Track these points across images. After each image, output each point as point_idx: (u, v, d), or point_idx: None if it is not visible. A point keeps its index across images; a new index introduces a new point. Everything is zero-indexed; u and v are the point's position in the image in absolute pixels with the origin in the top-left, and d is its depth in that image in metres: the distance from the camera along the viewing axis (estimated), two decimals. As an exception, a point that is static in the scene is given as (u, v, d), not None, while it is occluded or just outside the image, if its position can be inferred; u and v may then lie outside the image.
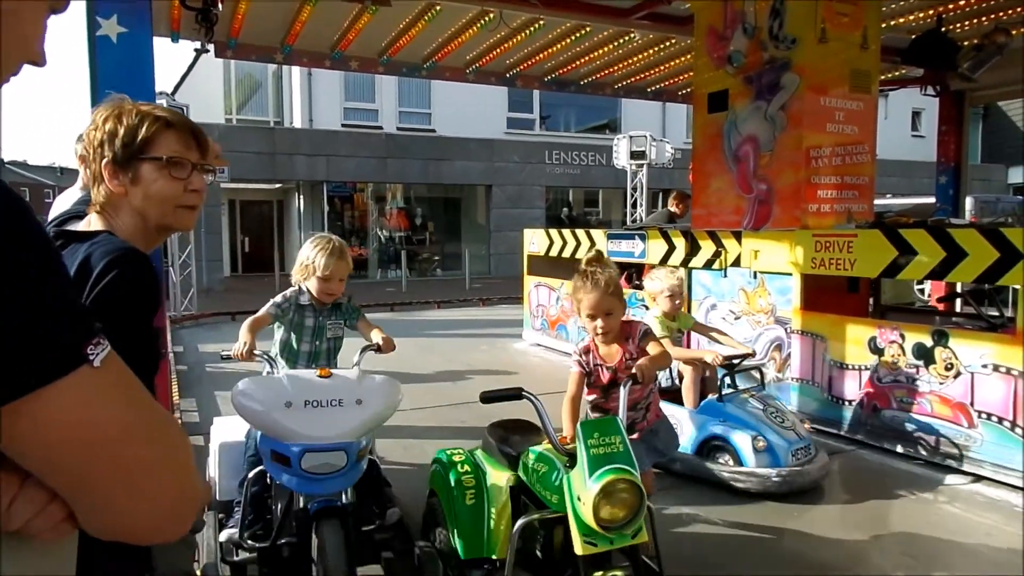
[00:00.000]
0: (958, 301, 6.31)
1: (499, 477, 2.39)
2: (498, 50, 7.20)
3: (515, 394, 2.14)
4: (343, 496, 2.28)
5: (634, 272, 8.04)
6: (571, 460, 1.99)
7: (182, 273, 10.35)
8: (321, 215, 17.51)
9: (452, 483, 2.44)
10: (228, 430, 2.93)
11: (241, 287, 15.14)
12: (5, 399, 0.55)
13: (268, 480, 2.47)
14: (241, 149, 15.44)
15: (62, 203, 3.26)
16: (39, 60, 0.68)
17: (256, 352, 2.49)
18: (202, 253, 12.14)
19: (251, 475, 2.46)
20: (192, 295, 10.30)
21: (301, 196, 17.65)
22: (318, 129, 17.54)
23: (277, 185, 18.60)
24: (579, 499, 1.89)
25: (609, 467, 1.87)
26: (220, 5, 5.26)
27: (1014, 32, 6.00)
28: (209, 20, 5.38)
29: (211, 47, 6.33)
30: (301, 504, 2.25)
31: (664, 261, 5.88)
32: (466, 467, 2.48)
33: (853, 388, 4.35)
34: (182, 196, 1.31)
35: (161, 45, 6.36)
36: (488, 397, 2.17)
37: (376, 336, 2.75)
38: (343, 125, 18.04)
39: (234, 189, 17.65)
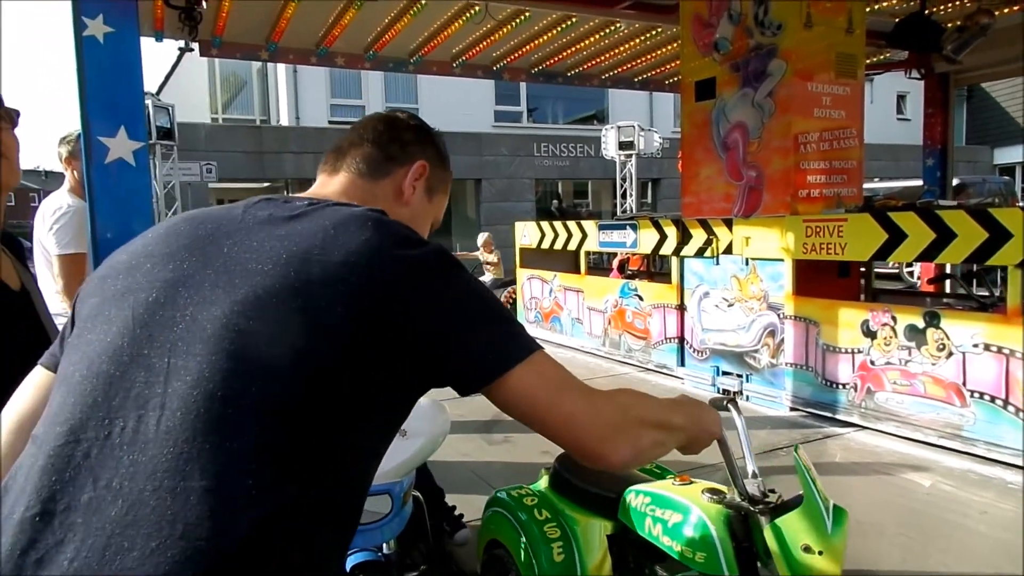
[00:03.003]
0: (948, 282, 6.37)
1: (591, 525, 1.94)
2: (484, 43, 7.18)
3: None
4: (384, 547, 1.99)
5: (626, 261, 8.06)
6: (753, 502, 1.46)
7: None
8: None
9: (529, 533, 1.98)
10: None
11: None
12: (503, 370, 0.87)
13: None
14: (228, 148, 15.35)
15: (49, 206, 3.24)
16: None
17: None
18: (192, 254, 12.02)
19: None
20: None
21: (290, 194, 17.56)
22: (305, 127, 17.43)
23: (266, 184, 18.48)
24: (817, 551, 1.33)
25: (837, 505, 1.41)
26: (204, 3, 5.22)
27: (996, 13, 6.02)
28: (193, 19, 5.33)
29: (195, 46, 6.29)
30: None
31: (656, 250, 5.90)
32: (544, 512, 2.02)
33: (847, 371, 4.38)
34: None
35: (145, 45, 6.30)
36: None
37: None
38: (330, 122, 17.95)
39: (223, 189, 17.52)
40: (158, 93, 13.51)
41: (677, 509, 1.61)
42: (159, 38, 6.05)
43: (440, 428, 2.07)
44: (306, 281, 0.82)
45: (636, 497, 1.76)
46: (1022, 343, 3.53)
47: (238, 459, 0.74)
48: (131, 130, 2.74)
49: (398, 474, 1.87)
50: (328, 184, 1.15)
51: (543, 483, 2.14)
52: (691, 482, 1.69)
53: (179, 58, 7.72)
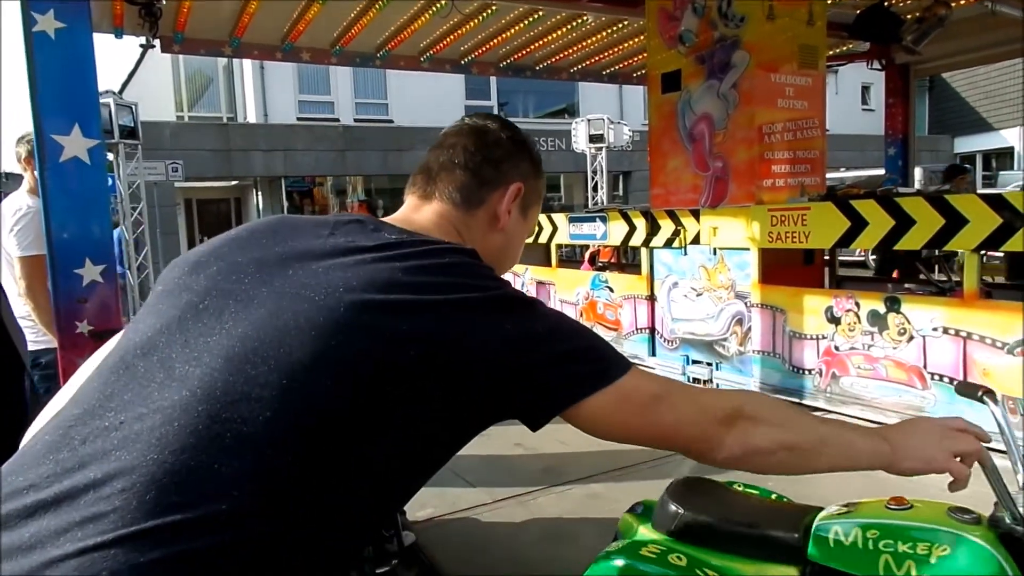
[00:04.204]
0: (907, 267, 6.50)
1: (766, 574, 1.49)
2: (451, 37, 7.15)
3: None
4: None
5: (597, 254, 8.11)
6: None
7: (140, 276, 10.12)
8: (281, 211, 17.25)
9: None
10: None
11: (202, 288, 14.82)
12: (571, 402, 0.88)
13: None
14: (195, 147, 15.12)
15: (8, 208, 3.17)
16: None
17: None
18: (159, 255, 11.87)
19: None
20: (151, 298, 10.07)
21: (259, 193, 17.35)
22: (273, 124, 17.24)
23: (234, 182, 18.25)
24: None
25: None
26: (163, -1, 5.13)
27: (953, 4, 6.15)
28: (153, 15, 5.25)
29: (157, 43, 6.17)
30: None
31: (625, 242, 5.95)
32: (692, 566, 1.52)
33: (812, 357, 4.46)
34: None
35: (107, 42, 6.18)
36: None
37: None
38: (299, 119, 17.76)
39: (190, 188, 17.27)
40: (121, 91, 13.24)
41: (939, 540, 1.25)
42: (118, 35, 5.93)
43: None
44: (349, 320, 0.81)
45: (847, 532, 1.36)
46: (978, 326, 3.63)
47: (220, 483, 0.74)
48: (85, 127, 2.68)
49: None
50: (420, 210, 1.10)
51: (645, 532, 1.70)
52: (910, 504, 1.36)
53: (142, 55, 7.57)
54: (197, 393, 0.78)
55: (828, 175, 6.37)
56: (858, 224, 4.10)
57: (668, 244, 5.43)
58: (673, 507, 1.64)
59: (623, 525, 1.80)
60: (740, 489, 1.70)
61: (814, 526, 1.43)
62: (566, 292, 6.81)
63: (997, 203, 3.51)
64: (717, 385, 5.05)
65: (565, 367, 0.88)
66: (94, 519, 0.70)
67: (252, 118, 17.80)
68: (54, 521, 0.71)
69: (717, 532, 1.57)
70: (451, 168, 1.10)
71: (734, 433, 0.93)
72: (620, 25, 7.02)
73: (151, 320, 0.89)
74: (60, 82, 2.65)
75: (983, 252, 3.73)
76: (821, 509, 1.49)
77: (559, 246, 7.02)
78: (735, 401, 0.97)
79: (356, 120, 18.20)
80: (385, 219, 1.06)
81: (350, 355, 0.80)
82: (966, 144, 22.41)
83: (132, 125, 9.99)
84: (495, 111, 20.22)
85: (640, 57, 7.81)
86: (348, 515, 0.84)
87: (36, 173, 3.08)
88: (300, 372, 0.79)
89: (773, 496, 1.76)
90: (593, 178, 14.76)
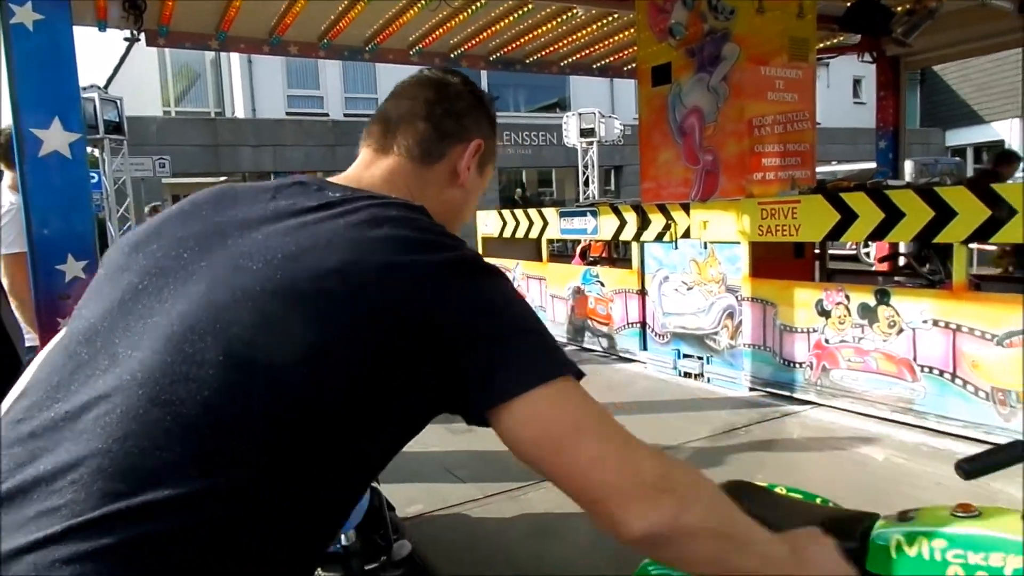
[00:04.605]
0: (900, 260, 6.52)
1: None
2: (441, 30, 7.10)
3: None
4: (343, 538, 1.99)
5: (588, 248, 8.09)
6: None
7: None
8: (271, 207, 17.14)
9: None
10: None
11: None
12: (510, 394, 0.77)
13: None
14: (182, 142, 15.01)
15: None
16: None
17: None
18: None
19: None
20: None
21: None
22: (262, 118, 17.14)
23: (222, 178, 18.12)
24: None
25: None
26: (147, -9, 5.06)
27: (943, -3, 6.15)
28: (137, 7, 5.18)
29: (142, 36, 6.10)
30: None
31: (616, 236, 5.93)
32: None
33: (803, 350, 4.46)
34: None
35: (91, 36, 6.09)
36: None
37: None
38: (287, 113, 17.66)
39: (177, 184, 17.14)
40: (106, 86, 13.12)
41: (1014, 550, 1.16)
42: (102, 28, 5.85)
43: None
44: (289, 287, 0.77)
45: (911, 542, 1.27)
46: (967, 318, 3.63)
47: (163, 469, 0.71)
48: (66, 121, 2.63)
49: None
50: (374, 164, 1.06)
51: None
52: (978, 511, 1.26)
53: (127, 49, 7.50)
54: (137, 377, 0.75)
55: (820, 169, 6.38)
56: (848, 217, 4.09)
57: (659, 238, 5.41)
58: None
59: None
60: (784, 493, 1.59)
61: (872, 535, 1.31)
62: (557, 287, 6.79)
63: (987, 195, 3.51)
64: (708, 380, 5.05)
65: (522, 348, 0.80)
66: (48, 513, 0.68)
67: (240, 113, 17.69)
68: (9, 517, 0.69)
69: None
70: (411, 119, 1.05)
71: (663, 503, 0.75)
72: (610, 18, 6.99)
73: (94, 305, 0.86)
74: (39, 75, 2.60)
75: (1006, 245, 3.72)
76: (876, 516, 1.37)
77: (550, 241, 7.00)
78: (669, 468, 0.79)
79: (346, 115, 18.10)
80: (332, 178, 1.02)
81: (294, 325, 0.75)
82: (957, 137, 22.50)
83: (117, 120, 9.91)
84: (486, 105, 20.13)
85: (631, 50, 7.77)
86: (315, 504, 0.80)
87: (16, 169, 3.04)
88: (239, 347, 0.75)
89: (818, 500, 1.65)
90: (584, 172, 14.74)
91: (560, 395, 0.77)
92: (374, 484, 2.28)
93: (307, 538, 0.81)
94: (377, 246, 0.81)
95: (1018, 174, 7.85)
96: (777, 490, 1.58)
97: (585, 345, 6.43)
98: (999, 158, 7.66)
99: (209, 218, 0.89)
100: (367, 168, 1.06)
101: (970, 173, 19.76)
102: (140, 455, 0.71)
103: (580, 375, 0.81)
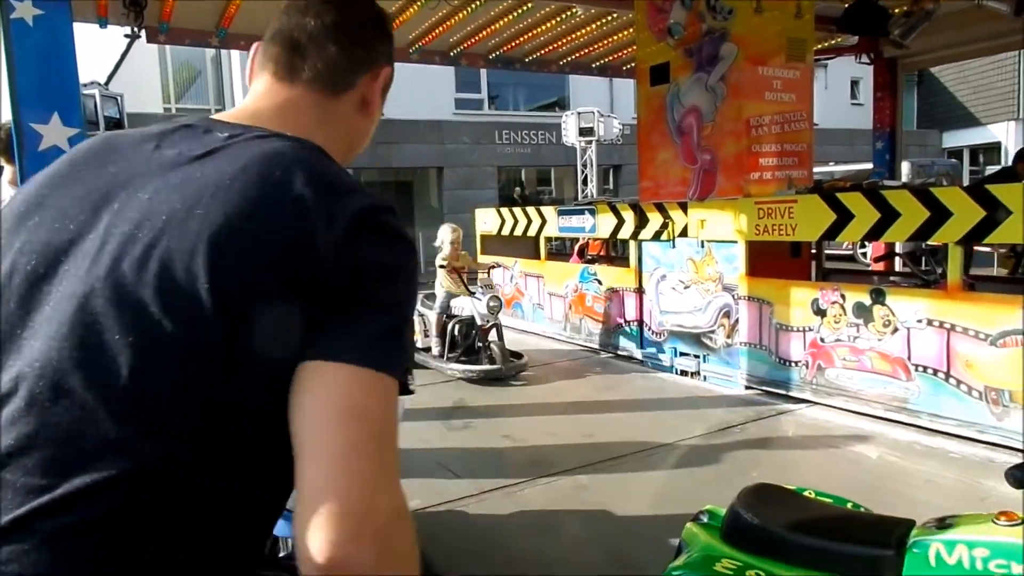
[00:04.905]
0: (897, 260, 6.54)
1: None
2: (440, 28, 7.11)
3: None
4: None
5: (586, 246, 8.11)
6: None
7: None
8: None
9: None
10: None
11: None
12: (324, 356, 0.72)
13: None
14: (182, 139, 14.93)
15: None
16: None
17: None
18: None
19: None
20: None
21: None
22: (262, 116, 17.10)
23: (222, 175, 18.11)
24: None
25: None
26: (148, -13, 5.07)
27: (941, -1, 6.17)
28: (138, 4, 5.18)
29: (142, 33, 6.10)
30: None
31: (614, 234, 5.95)
32: None
33: (799, 349, 4.49)
34: None
35: (92, 32, 6.10)
36: None
37: None
38: (287, 111, 17.63)
39: (177, 181, 17.14)
40: (107, 83, 13.12)
41: None
42: (103, 24, 5.86)
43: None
44: (178, 255, 0.71)
45: (951, 550, 1.23)
46: (961, 318, 3.65)
47: (79, 457, 0.69)
48: (65, 116, 2.64)
49: None
50: (275, 94, 0.94)
51: (715, 544, 1.57)
52: (1021, 519, 1.23)
53: (128, 46, 7.51)
54: (36, 368, 0.72)
55: (817, 169, 6.40)
56: (844, 217, 4.11)
57: (656, 237, 5.43)
58: (748, 517, 1.50)
59: (687, 535, 1.66)
60: (814, 496, 1.56)
61: (909, 542, 1.28)
62: (555, 285, 6.81)
63: (981, 196, 3.53)
64: (705, 378, 5.07)
65: (382, 330, 0.75)
66: None
67: (240, 110, 17.66)
68: None
69: (800, 546, 1.41)
70: (321, 43, 0.95)
71: (365, 537, 0.67)
72: (610, 17, 7.00)
73: None
74: (39, 70, 2.61)
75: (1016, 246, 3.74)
76: (912, 522, 1.37)
77: (548, 239, 7.02)
78: (399, 520, 0.73)
79: (346, 113, 18.07)
80: (223, 114, 0.94)
81: (188, 297, 0.70)
82: (954, 139, 22.53)
83: (118, 116, 9.93)
84: (485, 104, 20.15)
85: (630, 50, 7.78)
86: (248, 493, 0.77)
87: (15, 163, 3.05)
88: (139, 323, 0.71)
89: (849, 505, 1.61)
90: (583, 171, 14.75)
91: (376, 389, 0.73)
92: None
93: (244, 525, 0.79)
94: (274, 192, 0.75)
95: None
96: (806, 494, 1.57)
97: (582, 343, 6.45)
98: (1020, 155, 7.64)
99: (91, 180, 0.82)
100: (267, 99, 0.95)
101: (966, 175, 19.82)
102: (54, 446, 0.69)
103: (407, 390, 0.78)
